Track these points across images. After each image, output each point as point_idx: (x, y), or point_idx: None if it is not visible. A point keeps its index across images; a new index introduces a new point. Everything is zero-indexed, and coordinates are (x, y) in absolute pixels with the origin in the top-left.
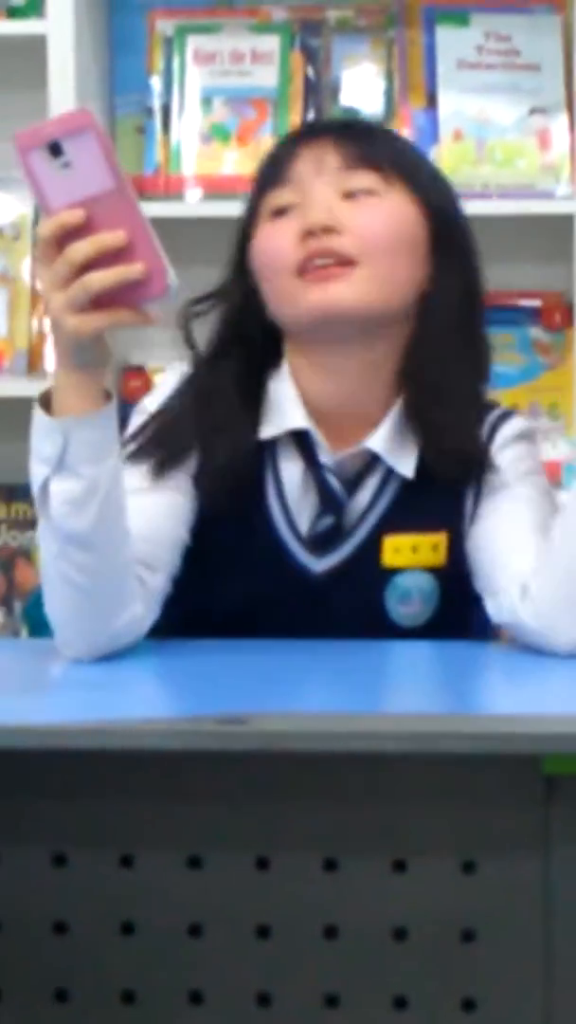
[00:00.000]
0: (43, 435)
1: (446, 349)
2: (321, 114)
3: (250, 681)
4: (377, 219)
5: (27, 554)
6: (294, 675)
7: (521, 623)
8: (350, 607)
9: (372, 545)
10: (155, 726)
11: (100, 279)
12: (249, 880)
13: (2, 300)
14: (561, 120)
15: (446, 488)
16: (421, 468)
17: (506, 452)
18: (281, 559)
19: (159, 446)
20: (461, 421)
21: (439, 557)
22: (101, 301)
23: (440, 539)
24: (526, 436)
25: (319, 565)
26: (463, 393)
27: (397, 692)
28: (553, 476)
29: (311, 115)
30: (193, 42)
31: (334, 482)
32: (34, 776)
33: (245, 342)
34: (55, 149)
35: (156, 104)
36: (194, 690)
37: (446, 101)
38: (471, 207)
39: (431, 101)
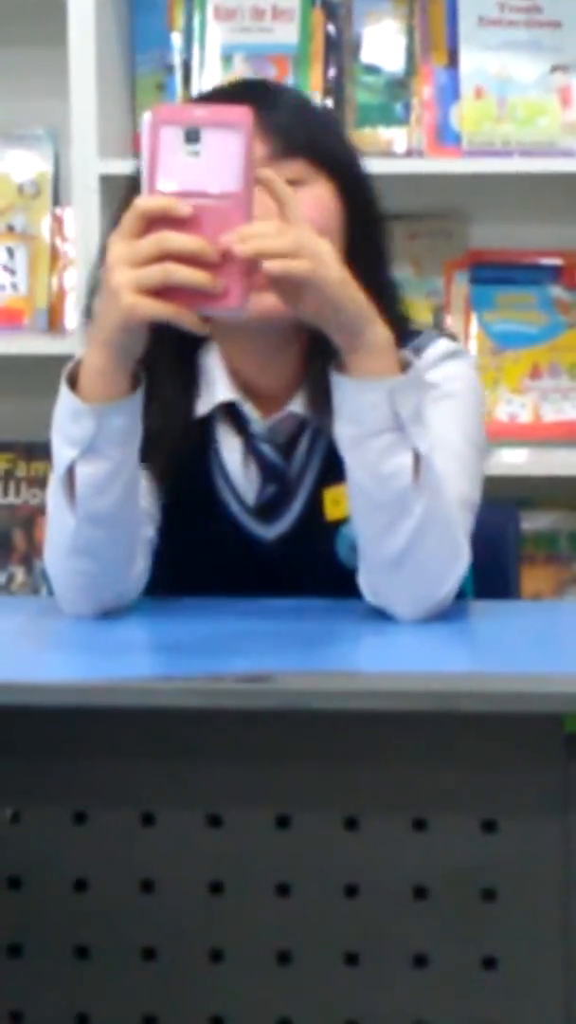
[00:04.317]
0: (72, 417)
1: None
2: (342, 72)
3: (260, 640)
4: (309, 212)
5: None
6: (303, 633)
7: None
8: (307, 567)
9: (315, 503)
10: (177, 684)
11: (184, 275)
12: (269, 838)
13: (22, 258)
14: None
15: None
16: None
17: (434, 372)
18: (233, 531)
19: None
20: None
21: None
22: (162, 291)
23: None
24: (454, 355)
25: (269, 532)
26: None
27: (415, 651)
28: (573, 435)
29: (332, 72)
30: None
31: (268, 450)
32: (55, 734)
33: None
34: (191, 135)
35: (176, 61)
36: (208, 648)
37: (467, 58)
38: (492, 165)
39: (452, 58)
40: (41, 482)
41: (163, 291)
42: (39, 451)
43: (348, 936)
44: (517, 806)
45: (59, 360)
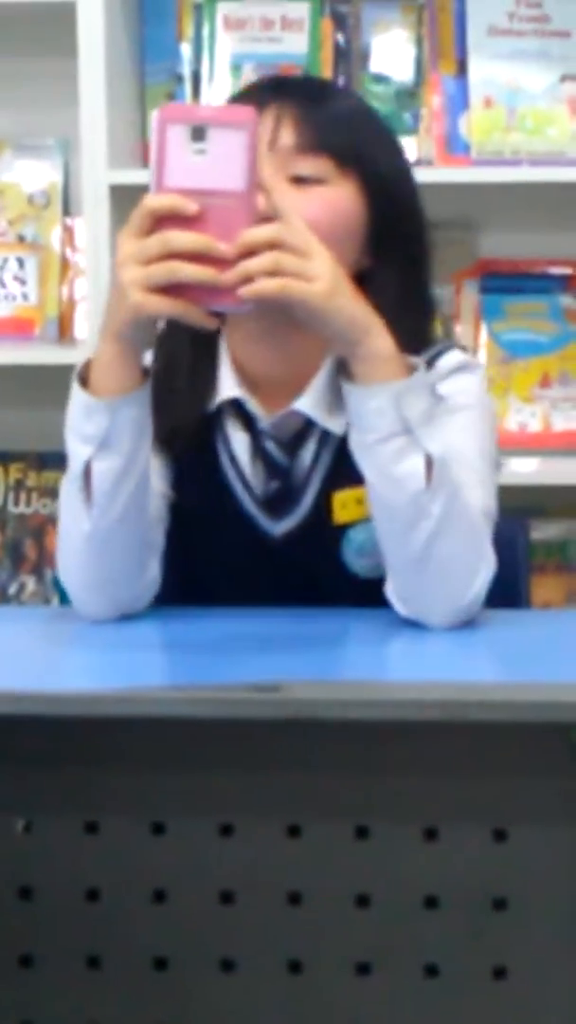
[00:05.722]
0: (86, 414)
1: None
2: (351, 81)
3: (270, 649)
4: (318, 211)
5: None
6: (314, 643)
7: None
8: (311, 566)
9: (322, 504)
10: (189, 694)
11: (189, 272)
12: (281, 848)
13: (32, 268)
14: None
15: None
16: None
17: (445, 384)
18: (242, 523)
19: None
20: None
21: None
22: (171, 287)
23: None
24: (465, 368)
25: (277, 528)
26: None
27: (424, 660)
28: None
29: (341, 81)
30: (223, 8)
31: (272, 447)
32: (66, 744)
33: None
34: (198, 133)
35: (186, 71)
36: (218, 658)
37: (476, 68)
38: (501, 174)
39: (461, 68)
40: (52, 492)
41: (170, 287)
42: (50, 461)
43: (359, 946)
44: (527, 815)
45: (69, 370)
